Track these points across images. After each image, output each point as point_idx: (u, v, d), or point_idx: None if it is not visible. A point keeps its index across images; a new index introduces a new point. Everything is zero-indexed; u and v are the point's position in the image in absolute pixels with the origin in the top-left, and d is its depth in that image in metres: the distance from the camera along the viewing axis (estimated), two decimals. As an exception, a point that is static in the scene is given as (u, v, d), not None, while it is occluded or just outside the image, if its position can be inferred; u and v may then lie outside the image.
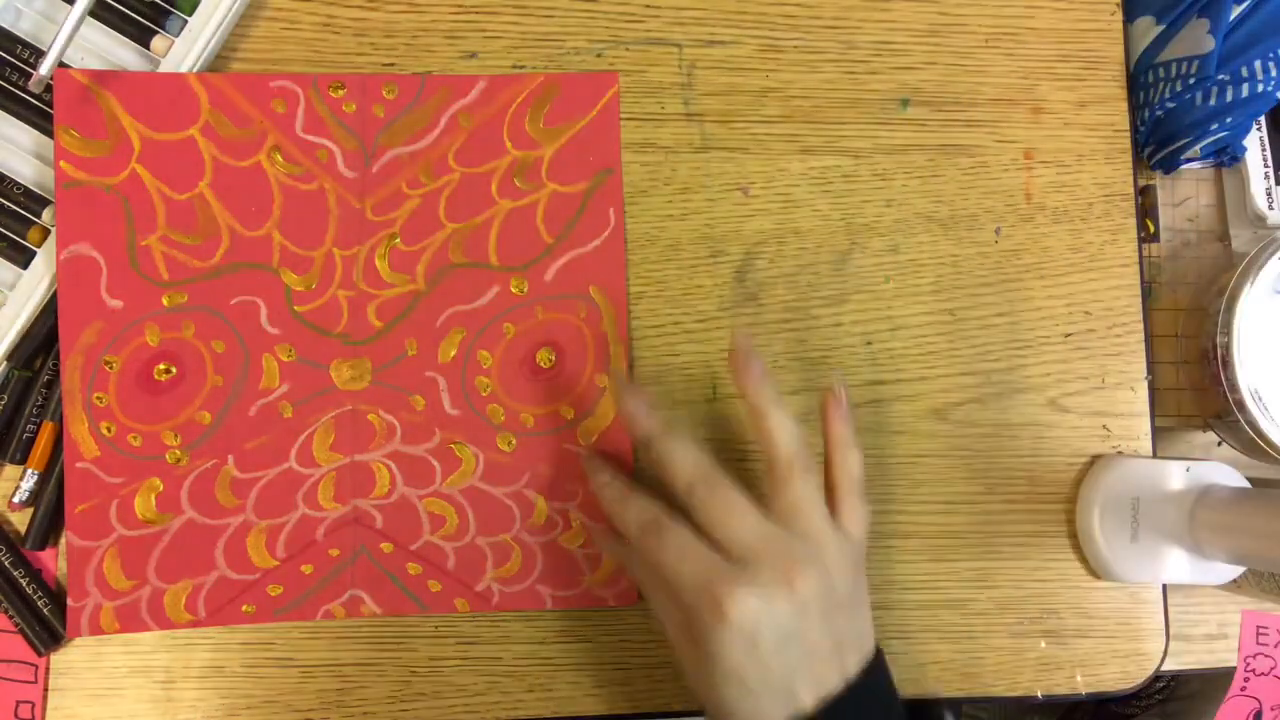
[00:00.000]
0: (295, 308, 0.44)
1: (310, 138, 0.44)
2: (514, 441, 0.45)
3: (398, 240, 0.44)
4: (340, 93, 0.44)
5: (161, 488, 0.43)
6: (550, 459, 0.45)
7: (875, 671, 0.38)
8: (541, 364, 0.45)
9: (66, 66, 0.43)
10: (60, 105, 0.43)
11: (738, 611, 0.35)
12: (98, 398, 0.43)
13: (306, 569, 0.43)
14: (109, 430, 0.43)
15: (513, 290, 0.45)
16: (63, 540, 0.43)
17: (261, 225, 0.44)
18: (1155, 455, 0.47)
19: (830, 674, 0.36)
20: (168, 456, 0.43)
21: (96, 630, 0.43)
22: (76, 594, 0.42)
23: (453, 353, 0.44)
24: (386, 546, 0.44)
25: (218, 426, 0.43)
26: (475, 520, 0.44)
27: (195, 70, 0.43)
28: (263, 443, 0.43)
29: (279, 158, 0.44)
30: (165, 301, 0.43)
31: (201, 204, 0.43)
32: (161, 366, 0.43)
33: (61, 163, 0.43)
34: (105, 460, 0.43)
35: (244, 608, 0.43)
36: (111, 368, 0.43)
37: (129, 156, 0.43)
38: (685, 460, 0.38)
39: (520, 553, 0.44)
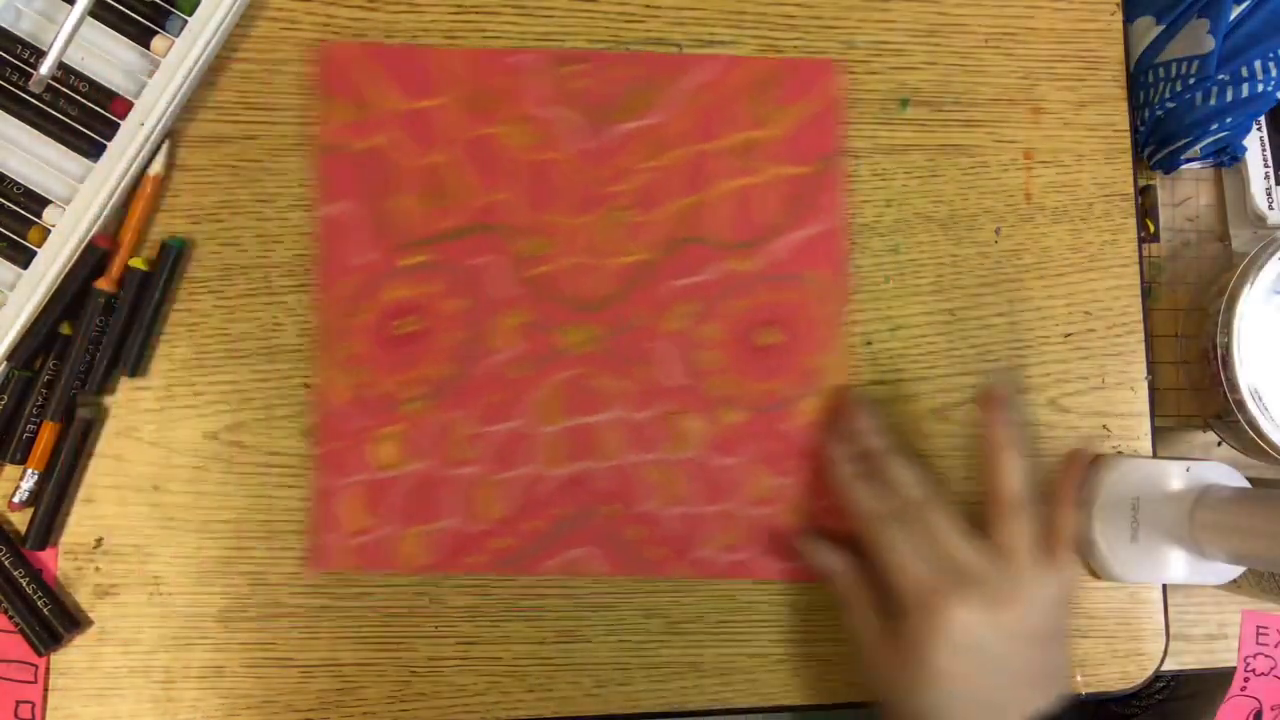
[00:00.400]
0: (527, 272, 0.45)
1: (548, 110, 0.45)
2: (735, 415, 0.45)
3: (627, 212, 0.46)
4: (577, 68, 0.45)
5: (402, 435, 0.45)
6: (770, 434, 0.46)
7: (1071, 709, 0.39)
8: (763, 341, 0.46)
9: (67, 66, 0.43)
10: (323, 75, 0.45)
11: (955, 620, 0.37)
12: (347, 347, 0.44)
13: (532, 526, 0.45)
14: (356, 378, 0.44)
15: (737, 268, 0.46)
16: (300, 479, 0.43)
17: (499, 192, 0.45)
18: (1155, 455, 0.47)
19: (1035, 700, 0.38)
20: (408, 406, 0.45)
21: (336, 566, 0.44)
22: (321, 530, 0.44)
23: (677, 325, 0.45)
24: (609, 509, 0.45)
25: (453, 382, 0.45)
26: (696, 489, 0.45)
27: (196, 69, 0.43)
28: (494, 400, 0.45)
29: (517, 129, 0.45)
30: (409, 261, 0.45)
31: (445, 170, 0.45)
32: (404, 321, 0.45)
33: (321, 129, 0.45)
34: (353, 405, 0.45)
35: (472, 558, 0.44)
36: (360, 321, 0.44)
37: (381, 124, 0.45)
38: (913, 478, 0.42)
39: (740, 524, 0.45)
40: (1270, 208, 0.48)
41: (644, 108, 0.46)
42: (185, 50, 0.43)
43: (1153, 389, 0.47)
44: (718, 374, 0.45)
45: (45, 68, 0.42)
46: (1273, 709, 0.50)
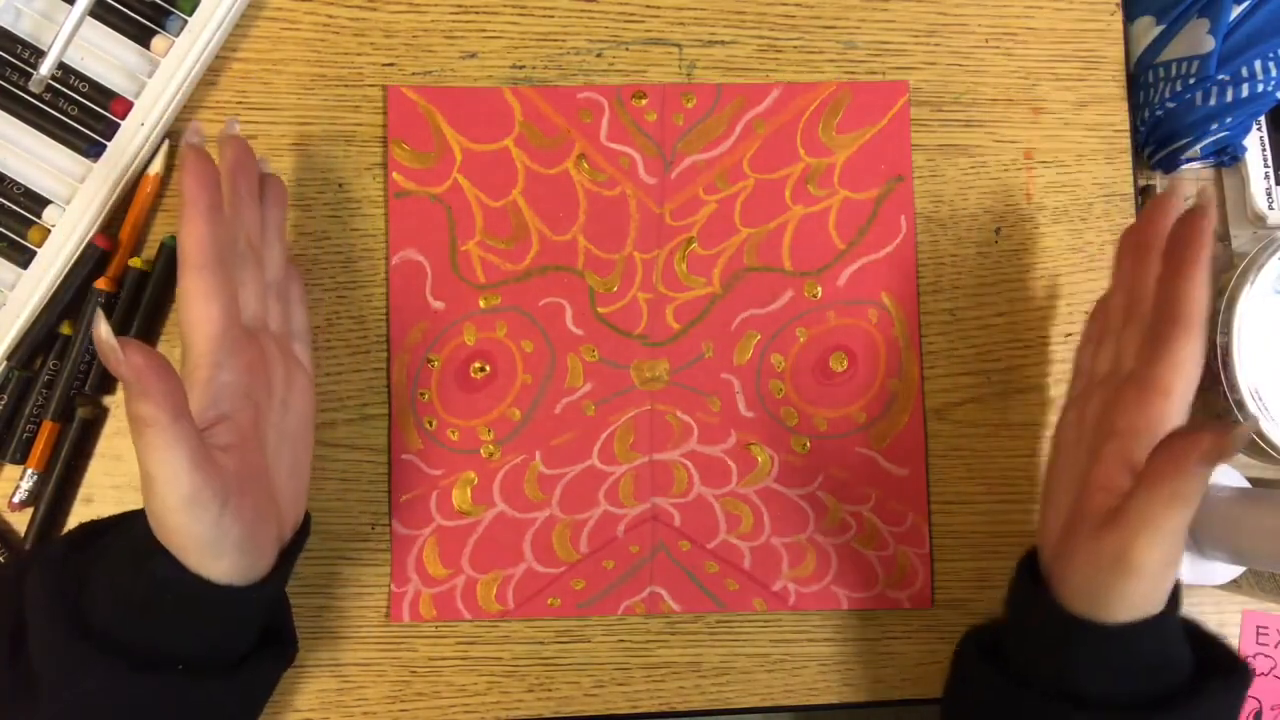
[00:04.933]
0: (598, 309, 0.45)
1: (614, 146, 0.45)
2: (807, 444, 0.46)
3: (695, 244, 0.46)
4: (642, 102, 0.46)
5: (476, 480, 0.45)
6: (843, 462, 0.46)
7: None
8: (834, 368, 0.46)
9: (67, 66, 0.43)
10: (393, 120, 0.45)
11: None
12: (421, 394, 0.45)
13: (608, 564, 0.45)
14: (431, 424, 0.45)
15: (806, 295, 0.46)
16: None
17: (568, 230, 0.45)
18: (1155, 455, 0.47)
19: None
20: (482, 451, 0.45)
21: (417, 616, 0.44)
22: (399, 580, 0.44)
23: (747, 355, 0.45)
24: (684, 545, 0.45)
25: (526, 423, 0.45)
26: (770, 520, 0.45)
27: (196, 69, 0.44)
28: (567, 440, 0.45)
29: (585, 165, 0.45)
30: (481, 303, 0.45)
31: (514, 210, 0.45)
32: (477, 365, 0.45)
33: (394, 174, 0.45)
34: (427, 453, 0.45)
35: (550, 601, 0.45)
36: (433, 365, 0.45)
37: (452, 167, 0.45)
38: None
39: (815, 554, 0.45)
40: (1270, 208, 0.48)
41: (711, 139, 0.46)
42: (185, 50, 0.43)
43: (1153, 389, 0.47)
44: (789, 403, 0.46)
45: (45, 68, 0.42)
46: (1273, 709, 0.50)
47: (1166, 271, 0.37)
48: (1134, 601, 0.33)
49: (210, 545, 0.32)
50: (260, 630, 0.37)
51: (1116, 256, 0.41)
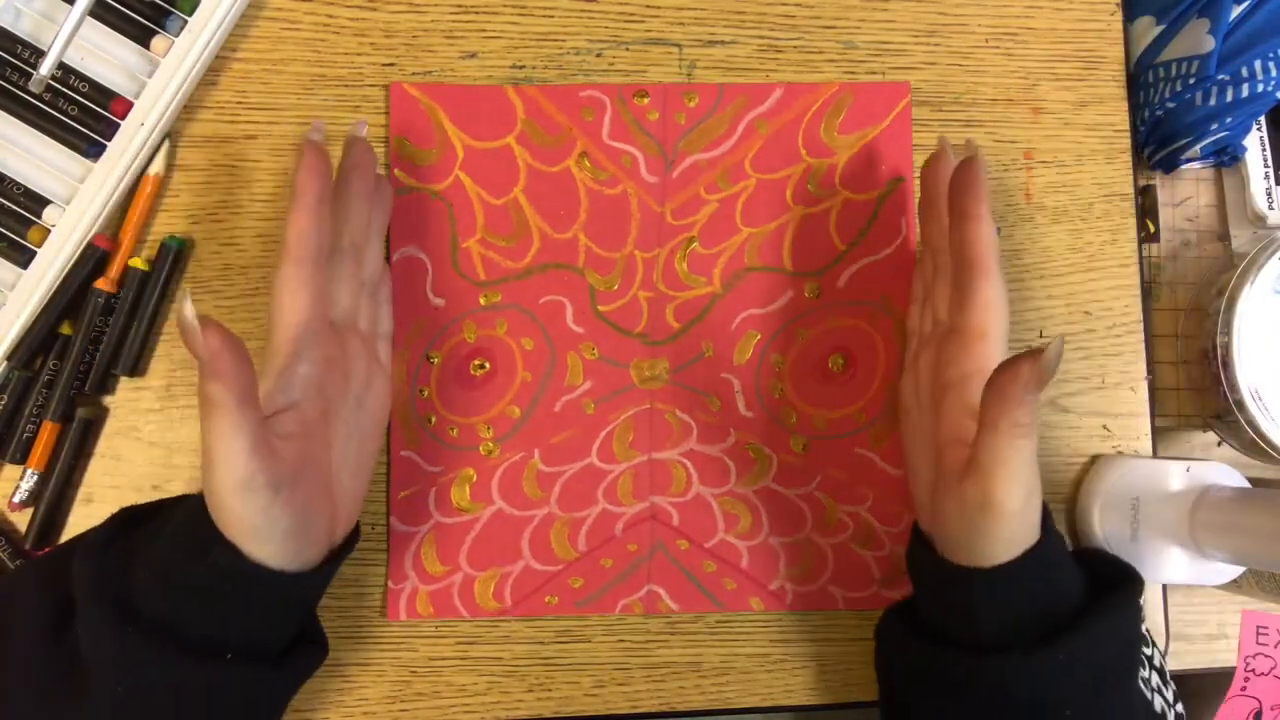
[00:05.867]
0: (598, 307, 0.45)
1: (616, 144, 0.45)
2: (806, 444, 0.45)
3: (696, 244, 0.46)
4: (644, 101, 0.46)
5: (475, 478, 0.45)
6: (841, 462, 0.46)
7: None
8: (833, 368, 0.46)
9: (67, 66, 0.43)
10: (395, 117, 0.45)
11: None
12: (421, 390, 0.44)
13: (606, 563, 0.45)
14: (430, 421, 0.44)
15: (806, 295, 0.46)
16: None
17: (569, 228, 0.45)
18: (1155, 455, 0.47)
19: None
20: (481, 448, 0.45)
21: (413, 613, 0.44)
22: (396, 577, 0.44)
23: (747, 355, 0.45)
24: (683, 544, 0.45)
25: (526, 421, 0.45)
26: (768, 520, 0.45)
27: (196, 69, 0.43)
28: (566, 438, 0.45)
29: (587, 163, 0.45)
30: (482, 300, 0.45)
31: (515, 208, 0.45)
32: (477, 362, 0.45)
33: (395, 170, 0.45)
34: (426, 450, 0.44)
35: (547, 599, 0.45)
36: (433, 362, 0.45)
37: (453, 164, 0.45)
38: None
39: (812, 554, 0.45)
40: (1270, 208, 0.48)
41: (712, 138, 0.46)
42: (185, 50, 0.43)
43: (1153, 389, 0.47)
44: (788, 403, 0.45)
45: (45, 68, 0.42)
46: (1273, 709, 0.50)
47: (952, 223, 0.38)
48: (1008, 539, 0.34)
49: (258, 531, 0.33)
50: (299, 626, 0.38)
51: (918, 218, 0.44)
